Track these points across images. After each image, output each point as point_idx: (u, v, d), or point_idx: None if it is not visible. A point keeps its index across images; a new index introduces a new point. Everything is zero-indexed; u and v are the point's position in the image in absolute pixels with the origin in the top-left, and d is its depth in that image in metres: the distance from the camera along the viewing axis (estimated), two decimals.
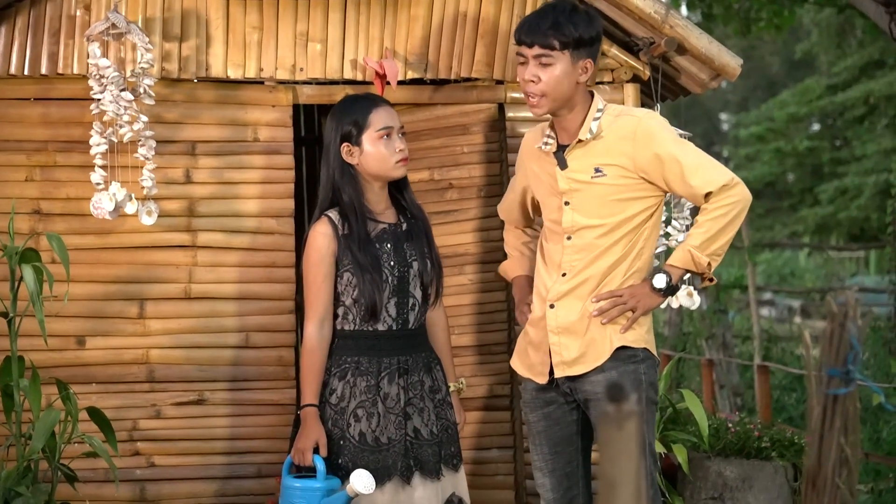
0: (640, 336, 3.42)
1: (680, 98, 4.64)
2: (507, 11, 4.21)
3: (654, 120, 3.38)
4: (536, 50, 3.33)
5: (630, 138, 3.32)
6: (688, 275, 3.50)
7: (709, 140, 33.48)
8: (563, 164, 3.41)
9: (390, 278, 3.60)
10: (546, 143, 3.46)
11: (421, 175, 4.43)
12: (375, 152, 3.60)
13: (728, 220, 3.29)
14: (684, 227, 4.20)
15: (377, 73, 4.08)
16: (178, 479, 4.06)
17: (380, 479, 3.52)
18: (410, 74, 4.18)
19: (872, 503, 6.20)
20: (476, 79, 4.25)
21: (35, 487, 3.40)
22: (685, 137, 4.21)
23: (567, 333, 3.39)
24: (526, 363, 3.54)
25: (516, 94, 4.25)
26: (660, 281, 3.32)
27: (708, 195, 3.29)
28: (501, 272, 3.85)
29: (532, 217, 3.75)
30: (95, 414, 3.56)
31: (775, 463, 4.58)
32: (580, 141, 3.37)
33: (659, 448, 4.00)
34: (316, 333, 3.58)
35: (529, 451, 3.60)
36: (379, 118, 3.63)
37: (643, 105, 4.43)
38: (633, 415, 1.62)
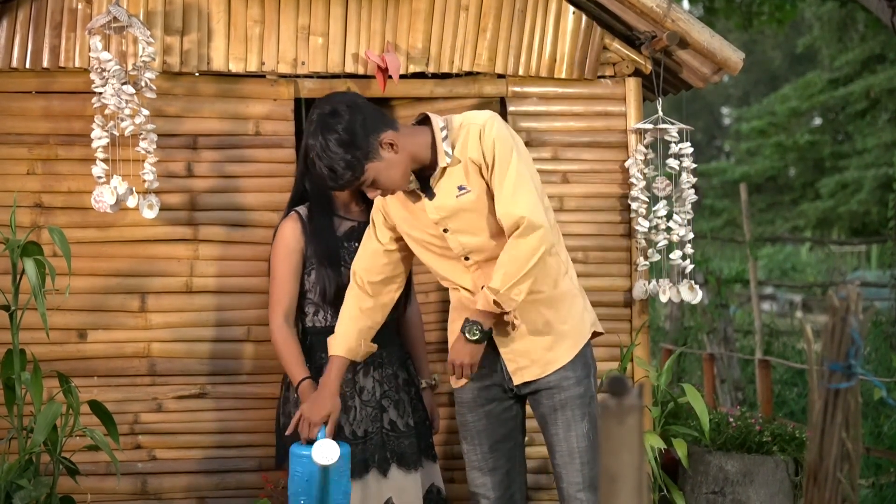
0: (585, 325, 3.47)
1: (681, 92, 4.63)
2: (508, 5, 4.20)
3: (492, 122, 3.29)
4: (353, 190, 3.43)
5: (476, 143, 3.27)
6: None
7: (710, 134, 33.46)
8: (430, 195, 3.36)
9: None
10: (410, 183, 3.38)
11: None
12: None
13: (527, 268, 3.21)
14: (686, 220, 4.19)
15: (379, 67, 4.08)
16: (179, 473, 4.06)
17: (358, 472, 3.55)
18: (412, 68, 4.18)
19: (874, 498, 6.20)
20: (478, 73, 4.25)
21: (37, 480, 3.41)
22: (686, 132, 4.21)
23: (517, 339, 3.43)
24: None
25: (518, 88, 4.25)
26: (472, 333, 3.28)
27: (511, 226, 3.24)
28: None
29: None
30: (97, 407, 3.56)
31: (776, 457, 4.59)
32: (443, 169, 3.32)
33: (659, 442, 4.01)
34: (283, 324, 3.63)
35: (464, 451, 3.56)
36: None
37: (644, 99, 4.43)
38: (635, 409, 1.62)
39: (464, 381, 3.44)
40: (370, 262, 3.50)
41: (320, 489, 3.30)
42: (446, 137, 3.29)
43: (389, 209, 3.48)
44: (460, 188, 3.31)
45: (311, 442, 3.37)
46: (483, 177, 3.28)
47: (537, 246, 3.20)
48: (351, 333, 3.46)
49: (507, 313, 3.30)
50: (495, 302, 3.23)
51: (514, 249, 3.21)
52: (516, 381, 3.43)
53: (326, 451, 3.26)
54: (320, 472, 3.29)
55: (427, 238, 3.41)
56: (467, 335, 3.28)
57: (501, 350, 3.43)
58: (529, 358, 3.41)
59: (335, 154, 3.20)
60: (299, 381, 3.58)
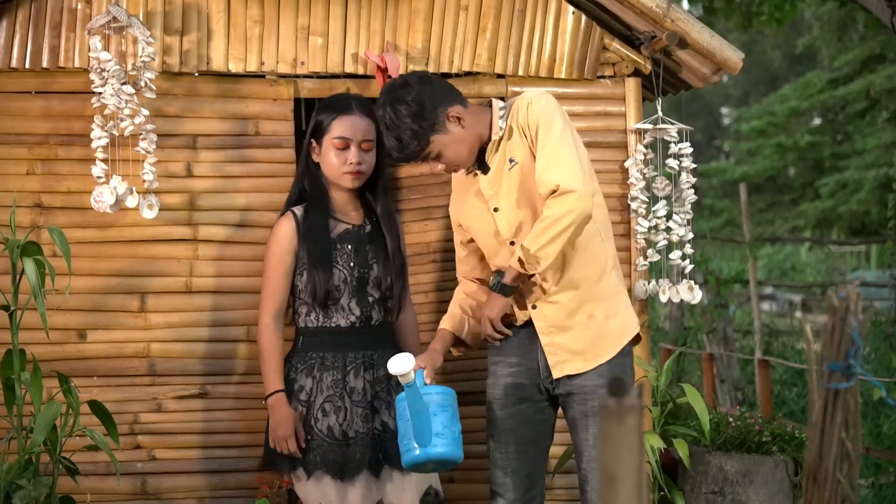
0: (628, 324, 3.46)
1: (681, 92, 4.63)
2: (508, 5, 4.20)
3: (542, 97, 3.38)
4: (419, 162, 3.44)
5: (524, 113, 3.34)
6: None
7: (710, 134, 33.46)
8: (485, 170, 3.44)
9: (349, 278, 3.65)
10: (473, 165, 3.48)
11: (422, 168, 4.43)
12: (328, 158, 3.65)
13: (557, 230, 3.22)
14: (685, 220, 4.19)
15: (378, 67, 4.07)
16: (179, 473, 4.06)
17: (349, 473, 3.56)
18: (412, 68, 4.18)
19: (873, 498, 6.20)
20: (477, 73, 4.25)
21: (36, 480, 3.41)
22: (685, 132, 4.21)
23: (560, 331, 3.41)
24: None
25: (518, 88, 4.24)
26: (491, 280, 3.37)
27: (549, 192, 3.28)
28: None
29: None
30: (97, 407, 3.56)
31: (776, 457, 4.59)
32: (497, 143, 3.40)
33: (659, 442, 4.01)
34: (272, 324, 3.66)
35: (489, 448, 3.55)
36: (339, 126, 3.66)
37: (644, 99, 4.43)
38: (635, 409, 1.62)
39: (498, 336, 3.43)
40: (462, 266, 3.67)
41: (413, 413, 3.26)
42: (503, 115, 3.39)
43: (453, 205, 3.59)
44: (511, 161, 3.37)
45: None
46: (530, 148, 3.34)
47: (569, 209, 3.21)
48: (456, 311, 3.60)
49: (533, 275, 3.33)
50: (520, 260, 3.25)
51: (547, 210, 3.25)
52: (556, 374, 3.41)
53: (400, 362, 3.28)
54: (407, 398, 3.27)
55: (481, 225, 3.47)
56: (489, 283, 3.37)
57: (543, 342, 3.42)
58: (571, 351, 3.40)
59: (403, 124, 3.30)
60: (272, 391, 3.60)
